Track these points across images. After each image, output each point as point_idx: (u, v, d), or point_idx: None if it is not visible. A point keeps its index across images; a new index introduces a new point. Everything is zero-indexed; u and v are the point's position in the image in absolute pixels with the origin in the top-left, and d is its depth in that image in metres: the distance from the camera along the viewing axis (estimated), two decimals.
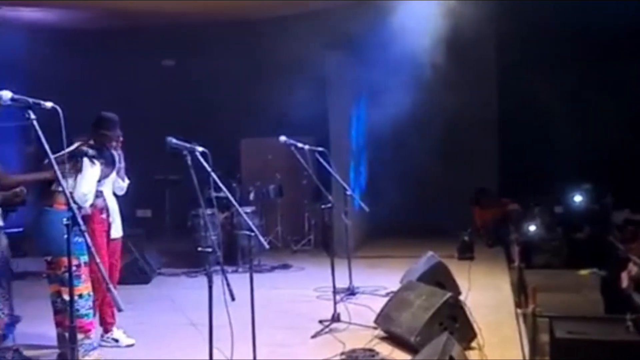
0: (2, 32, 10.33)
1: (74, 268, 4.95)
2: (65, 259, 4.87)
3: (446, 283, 6.64)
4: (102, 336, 5.92)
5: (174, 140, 4.44)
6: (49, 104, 3.34)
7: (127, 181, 6.06)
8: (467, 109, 11.66)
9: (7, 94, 3.27)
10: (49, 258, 5.26)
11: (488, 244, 10.45)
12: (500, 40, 11.84)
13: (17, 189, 5.34)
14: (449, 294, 5.61)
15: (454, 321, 5.43)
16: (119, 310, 3.17)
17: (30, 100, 3.31)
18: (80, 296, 5.23)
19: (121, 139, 6.01)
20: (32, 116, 3.31)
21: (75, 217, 3.30)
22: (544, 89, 11.33)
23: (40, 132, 3.32)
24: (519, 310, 6.74)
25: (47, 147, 3.40)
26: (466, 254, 9.51)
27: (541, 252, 9.42)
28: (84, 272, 5.24)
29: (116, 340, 5.93)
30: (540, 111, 11.46)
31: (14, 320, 5.52)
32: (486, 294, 7.43)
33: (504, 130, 12.07)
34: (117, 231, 5.90)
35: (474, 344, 5.50)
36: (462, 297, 6.60)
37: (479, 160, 11.91)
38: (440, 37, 10.96)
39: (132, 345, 5.96)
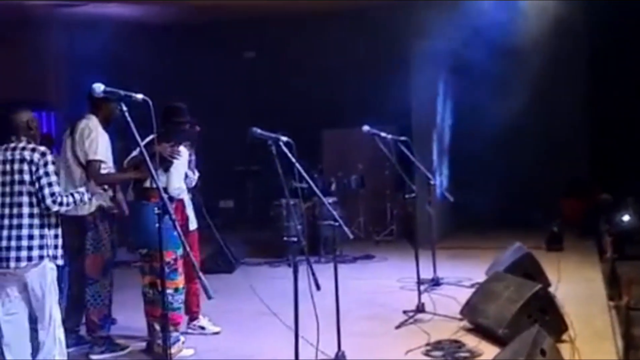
0: (88, 28, 10.66)
1: (171, 261, 5.18)
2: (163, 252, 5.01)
3: (535, 274, 6.45)
4: (188, 324, 6.04)
5: (259, 131, 4.44)
6: (139, 96, 3.41)
7: (197, 173, 6.10)
8: (557, 99, 11.32)
9: (99, 87, 3.35)
10: (143, 251, 5.36)
11: (578, 235, 10.11)
12: (592, 28, 11.39)
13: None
14: (538, 286, 5.46)
15: (544, 313, 5.27)
16: (209, 298, 3.22)
17: (122, 92, 3.38)
18: (176, 290, 5.35)
19: (197, 128, 6.06)
20: (124, 108, 3.38)
21: (167, 207, 3.36)
22: (637, 77, 10.85)
23: (132, 124, 3.39)
24: (611, 303, 6.49)
25: (139, 139, 3.48)
26: (555, 245, 9.25)
27: (635, 243, 9.03)
28: (180, 265, 5.34)
29: (202, 328, 6.05)
30: (633, 100, 10.97)
31: (110, 320, 5.67)
32: (577, 286, 7.20)
33: (595, 119, 11.61)
34: (192, 223, 5.99)
35: (565, 337, 5.33)
36: (551, 289, 6.41)
37: (569, 149, 11.52)
38: (530, 27, 10.69)
39: (218, 332, 6.07)
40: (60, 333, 4.42)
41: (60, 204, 4.31)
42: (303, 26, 11.88)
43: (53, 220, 4.38)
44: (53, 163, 4.39)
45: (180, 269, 5.34)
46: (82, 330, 5.66)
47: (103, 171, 5.32)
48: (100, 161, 5.29)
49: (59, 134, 12.15)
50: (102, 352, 5.45)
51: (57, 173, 4.50)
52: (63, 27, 11.12)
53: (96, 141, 5.29)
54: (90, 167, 5.29)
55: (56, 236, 4.38)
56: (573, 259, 8.72)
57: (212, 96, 12.28)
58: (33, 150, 4.35)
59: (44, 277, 4.32)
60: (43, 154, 4.34)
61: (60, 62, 11.79)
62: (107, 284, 5.52)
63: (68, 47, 11.53)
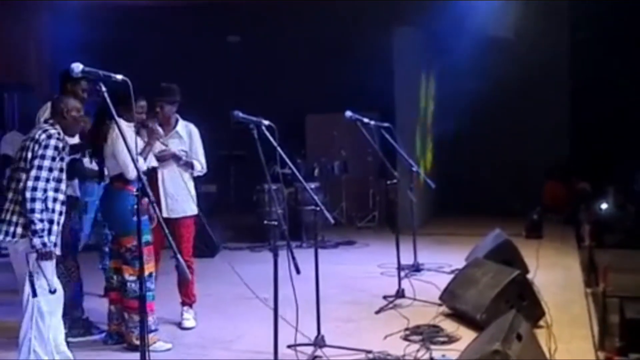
0: (71, 11, 10.57)
1: (132, 248, 4.97)
2: (128, 239, 4.97)
3: (514, 261, 6.50)
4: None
5: (241, 114, 4.43)
6: (119, 77, 3.40)
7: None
8: (538, 85, 11.39)
9: (78, 66, 3.33)
10: (112, 234, 5.33)
11: (558, 222, 10.20)
12: (573, 14, 11.46)
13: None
14: (516, 272, 5.51)
15: (522, 299, 5.33)
16: (186, 280, 3.22)
17: (101, 72, 3.37)
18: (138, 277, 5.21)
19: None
20: (103, 89, 3.37)
21: (145, 189, 3.36)
22: (617, 64, 10.93)
23: (111, 105, 3.38)
24: (588, 290, 6.58)
25: (117, 119, 3.47)
26: (534, 232, 9.33)
27: (613, 231, 9.14)
28: (146, 251, 5.05)
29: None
30: (613, 88, 11.06)
31: (81, 301, 5.61)
32: (555, 273, 7.28)
33: (575, 107, 11.70)
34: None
35: (541, 323, 5.40)
36: (530, 276, 6.47)
37: (549, 138, 11.61)
38: (510, 12, 10.72)
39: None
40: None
41: (32, 200, 4.13)
42: (287, 11, 11.83)
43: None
44: (61, 159, 4.27)
45: (147, 256, 5.05)
46: None
47: None
48: None
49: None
50: (79, 335, 5.41)
51: (62, 169, 4.33)
52: (45, 9, 11.01)
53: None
54: None
55: (41, 220, 4.18)
56: (552, 246, 8.81)
57: (195, 80, 12.18)
58: (45, 131, 4.27)
59: (21, 255, 4.27)
60: (48, 137, 4.24)
61: (42, 45, 11.68)
62: (70, 266, 5.41)
63: (50, 30, 11.43)
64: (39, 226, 4.12)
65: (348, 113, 6.41)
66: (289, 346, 4.89)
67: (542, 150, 11.48)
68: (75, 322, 5.44)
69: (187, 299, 5.87)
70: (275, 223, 4.49)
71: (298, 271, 4.27)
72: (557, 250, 8.61)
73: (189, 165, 5.93)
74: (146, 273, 5.08)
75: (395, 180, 7.01)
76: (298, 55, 12.07)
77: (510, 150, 11.51)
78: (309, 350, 4.93)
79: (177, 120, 5.92)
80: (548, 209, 10.40)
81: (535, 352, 3.95)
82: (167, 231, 3.43)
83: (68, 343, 4.67)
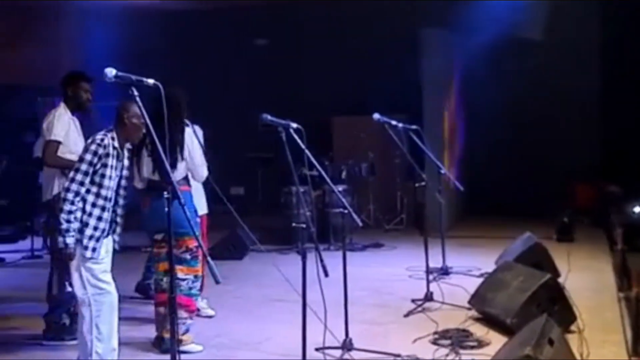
0: (102, 16, 10.69)
1: (194, 248, 5.12)
2: (190, 239, 5.03)
3: (544, 265, 6.43)
4: None
5: (269, 117, 4.44)
6: (150, 81, 3.42)
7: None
8: (568, 87, 11.26)
9: (111, 71, 3.36)
10: (159, 236, 5.24)
11: (589, 225, 10.06)
12: (604, 14, 11.30)
13: None
14: (548, 275, 5.44)
15: (553, 303, 5.26)
16: (217, 282, 3.23)
17: (134, 77, 3.39)
18: (196, 276, 5.29)
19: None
20: (135, 93, 3.39)
21: (176, 191, 3.38)
22: None
23: (143, 109, 3.41)
24: (621, 294, 6.47)
25: (149, 123, 3.49)
26: (565, 235, 9.20)
27: None
28: (200, 252, 5.18)
29: (198, 310, 6.01)
30: None
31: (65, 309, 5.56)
32: (587, 277, 7.18)
33: (606, 108, 11.54)
34: (201, 209, 6.02)
35: (573, 328, 5.32)
36: (561, 280, 6.38)
37: (579, 139, 11.45)
38: (539, 12, 10.62)
39: (212, 316, 6.12)
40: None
41: (63, 200, 4.24)
42: (314, 13, 11.85)
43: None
44: (103, 165, 4.30)
45: (200, 257, 5.25)
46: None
47: (66, 156, 5.31)
48: (57, 142, 5.30)
49: None
50: (49, 339, 5.47)
51: (103, 175, 4.32)
52: (77, 15, 11.15)
53: (53, 123, 5.32)
54: (46, 148, 5.34)
55: (68, 221, 4.25)
56: (583, 249, 8.69)
57: (224, 83, 12.30)
58: (93, 136, 4.36)
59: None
60: (91, 142, 4.32)
61: (75, 49, 11.83)
62: (65, 271, 5.40)
63: (83, 34, 11.57)
64: (64, 226, 4.22)
65: (376, 115, 6.39)
66: (317, 349, 4.88)
67: (572, 152, 11.33)
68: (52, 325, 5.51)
69: (200, 291, 5.95)
70: (304, 225, 4.49)
71: (326, 274, 4.26)
72: (588, 253, 8.49)
73: None
74: (200, 273, 5.38)
75: (423, 183, 6.98)
76: (325, 57, 12.08)
77: (540, 152, 11.39)
78: (337, 353, 4.92)
79: None
80: (578, 211, 10.27)
81: (567, 357, 3.91)
82: (198, 234, 3.46)
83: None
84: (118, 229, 4.52)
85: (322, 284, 4.32)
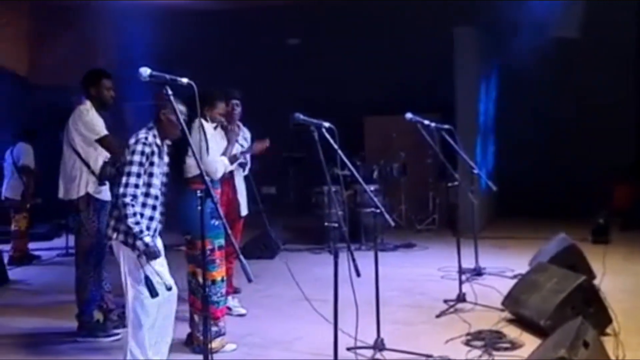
0: (135, 16, 10.79)
1: (208, 252, 4.92)
2: (206, 242, 4.91)
3: (579, 266, 6.33)
4: None
5: (301, 116, 4.44)
6: (184, 80, 3.44)
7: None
8: (603, 86, 11.07)
9: (146, 70, 3.38)
10: (188, 237, 5.21)
11: (625, 227, 9.89)
12: None
13: None
14: (582, 277, 5.36)
15: (588, 306, 5.18)
16: (250, 281, 3.24)
17: (168, 76, 3.42)
18: (214, 282, 5.11)
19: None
20: (169, 92, 3.42)
21: (210, 190, 3.40)
22: None
23: (177, 108, 3.44)
24: None
25: (182, 122, 3.52)
26: (601, 237, 9.04)
27: None
28: (218, 256, 5.14)
29: (229, 309, 6.06)
30: None
31: (95, 306, 5.62)
32: (622, 279, 7.06)
33: None
34: (244, 210, 6.14)
35: (608, 330, 5.24)
36: (596, 282, 6.29)
37: (615, 139, 11.27)
38: (574, 10, 10.47)
39: (243, 315, 6.15)
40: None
41: (124, 206, 4.15)
42: (346, 13, 11.84)
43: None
44: (150, 163, 4.25)
45: (219, 261, 5.16)
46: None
47: (91, 154, 5.40)
48: (107, 135, 5.36)
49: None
50: (84, 336, 5.53)
51: (151, 174, 4.29)
52: (111, 14, 11.28)
53: (92, 122, 5.39)
54: (104, 144, 5.39)
55: (137, 223, 4.18)
56: (619, 251, 8.55)
57: (255, 82, 12.32)
58: (136, 135, 4.30)
59: (117, 255, 4.34)
60: (135, 142, 4.26)
61: (109, 48, 11.97)
62: (88, 270, 5.51)
63: (116, 34, 11.71)
64: (136, 229, 4.13)
65: (408, 115, 6.35)
66: (348, 349, 4.88)
67: (609, 152, 11.16)
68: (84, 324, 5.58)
69: (230, 289, 6.07)
70: (336, 225, 4.48)
71: (358, 274, 4.24)
72: (624, 255, 8.35)
73: (243, 166, 6.20)
74: (219, 277, 5.20)
75: (456, 183, 6.92)
76: (357, 56, 12.06)
77: (575, 152, 11.24)
78: (369, 353, 4.91)
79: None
80: (615, 212, 10.10)
81: None
82: (230, 232, 3.47)
83: None
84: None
85: (353, 283, 4.31)
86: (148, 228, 4.23)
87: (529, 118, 10.97)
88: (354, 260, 4.23)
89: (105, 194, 5.48)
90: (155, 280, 4.12)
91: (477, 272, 7.40)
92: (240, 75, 12.27)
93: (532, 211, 10.74)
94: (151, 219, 4.29)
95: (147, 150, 4.24)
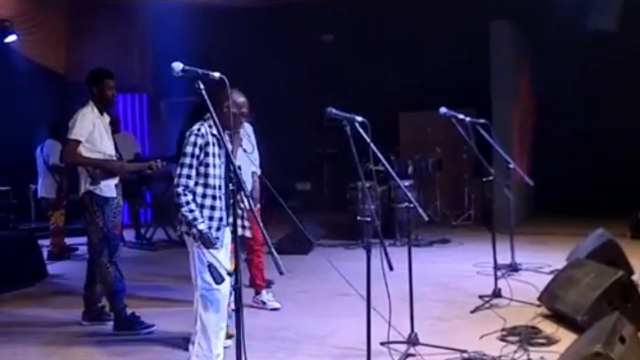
0: (170, 13, 10.90)
1: None
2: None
3: (617, 262, 6.22)
4: (253, 297, 6.23)
5: (334, 111, 4.43)
6: (216, 75, 3.46)
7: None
8: None
9: (178, 65, 3.42)
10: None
11: None
12: None
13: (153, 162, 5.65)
14: (620, 272, 5.27)
15: (626, 301, 5.10)
16: (281, 273, 3.26)
17: (200, 71, 3.45)
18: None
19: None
20: (201, 86, 3.45)
21: (241, 184, 3.42)
22: None
23: (209, 103, 3.46)
24: None
25: (216, 119, 3.55)
26: None
27: None
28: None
29: (264, 303, 6.18)
30: None
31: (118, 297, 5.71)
32: None
33: None
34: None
35: None
36: (634, 278, 6.17)
37: None
38: (612, 5, 10.28)
39: (277, 309, 6.19)
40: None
41: (177, 196, 4.22)
42: (380, 8, 11.80)
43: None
44: (205, 154, 4.26)
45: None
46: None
47: (94, 155, 5.48)
48: (76, 141, 5.43)
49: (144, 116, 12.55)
50: (119, 329, 5.65)
51: (207, 164, 4.29)
52: (149, 13, 11.41)
53: (75, 123, 5.45)
54: (65, 146, 5.53)
55: (191, 211, 4.23)
56: None
57: (289, 79, 12.38)
58: (191, 128, 4.33)
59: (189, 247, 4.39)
60: (189, 135, 4.29)
61: (145, 47, 12.11)
62: (103, 263, 5.60)
63: (152, 33, 11.84)
64: (190, 217, 4.20)
65: (443, 109, 6.30)
66: (382, 343, 4.87)
67: None
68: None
69: (263, 283, 6.22)
70: (369, 219, 4.47)
71: (391, 267, 4.22)
72: None
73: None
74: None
75: (491, 177, 6.84)
76: (391, 52, 12.03)
77: (614, 147, 11.05)
78: (402, 348, 4.89)
79: None
80: None
81: (638, 355, 3.78)
82: (262, 225, 3.49)
83: None
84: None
85: (387, 279, 4.29)
86: (211, 218, 4.29)
87: (566, 113, 10.81)
88: (386, 254, 4.22)
89: (107, 190, 5.57)
90: (217, 266, 4.13)
91: (513, 268, 7.33)
92: (274, 72, 12.36)
93: (571, 207, 10.59)
94: (212, 208, 4.32)
95: (200, 141, 4.27)
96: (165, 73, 3.69)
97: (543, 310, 5.79)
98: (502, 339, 5.13)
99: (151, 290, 7.18)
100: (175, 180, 4.26)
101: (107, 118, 5.75)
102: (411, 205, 4.98)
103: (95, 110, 5.62)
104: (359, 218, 4.75)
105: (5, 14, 9.64)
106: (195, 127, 4.33)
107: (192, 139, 4.27)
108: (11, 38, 9.66)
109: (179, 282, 7.26)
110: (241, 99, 4.50)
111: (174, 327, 5.60)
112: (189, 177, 4.25)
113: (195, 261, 4.31)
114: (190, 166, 4.26)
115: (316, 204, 12.92)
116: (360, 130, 4.50)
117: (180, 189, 4.23)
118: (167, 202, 9.71)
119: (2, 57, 9.73)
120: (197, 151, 4.27)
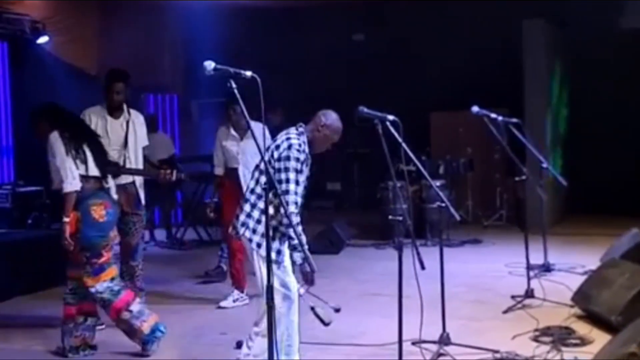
0: (200, 12, 10.96)
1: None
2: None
3: None
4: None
5: (365, 110, 4.43)
6: (248, 74, 3.47)
7: None
8: None
9: (210, 64, 3.43)
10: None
11: None
12: None
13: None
14: None
15: None
16: (313, 271, 3.27)
17: (232, 69, 3.46)
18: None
19: None
20: (234, 85, 3.46)
21: (274, 182, 3.42)
22: None
23: (241, 102, 3.48)
24: None
25: (247, 117, 3.56)
26: None
27: None
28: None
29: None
30: None
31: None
32: None
33: None
34: None
35: None
36: None
37: None
38: None
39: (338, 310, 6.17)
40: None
41: (290, 214, 3.96)
42: (411, 8, 11.76)
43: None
44: (298, 171, 4.14)
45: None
46: None
47: None
48: None
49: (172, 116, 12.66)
50: None
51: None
52: (180, 13, 11.50)
53: None
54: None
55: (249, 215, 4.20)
56: None
57: (320, 79, 12.39)
58: (288, 139, 4.23)
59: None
60: (289, 148, 4.16)
61: (176, 46, 12.20)
62: (133, 266, 5.71)
63: (182, 32, 11.93)
64: (303, 239, 3.89)
65: (474, 108, 6.26)
66: (413, 343, 4.86)
67: None
68: None
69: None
70: (400, 219, 4.47)
71: (423, 266, 4.22)
72: None
73: None
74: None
75: (524, 177, 6.78)
76: (423, 51, 11.96)
77: None
78: (434, 347, 4.88)
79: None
80: None
81: None
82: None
83: None
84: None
85: (419, 279, 4.28)
86: (290, 238, 4.10)
87: (600, 112, 10.66)
88: (418, 253, 4.21)
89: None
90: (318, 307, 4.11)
91: (546, 268, 7.26)
92: (305, 72, 12.38)
93: (605, 207, 10.44)
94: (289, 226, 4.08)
95: (302, 157, 4.19)
96: (197, 74, 3.72)
97: (576, 310, 5.73)
98: (535, 339, 5.10)
99: (182, 288, 7.25)
100: (288, 197, 4.06)
101: (122, 119, 5.65)
102: (443, 205, 4.97)
103: (105, 110, 5.61)
104: (390, 217, 4.73)
105: (38, 15, 9.77)
106: (295, 140, 4.20)
107: (295, 154, 4.14)
108: (43, 39, 9.80)
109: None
110: (340, 125, 4.44)
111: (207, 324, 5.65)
112: (296, 193, 4.12)
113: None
114: (297, 182, 4.13)
115: (347, 203, 12.93)
116: (392, 129, 4.49)
117: (293, 207, 4.06)
118: (197, 203, 9.80)
119: (34, 58, 9.86)
120: (299, 166, 4.15)
